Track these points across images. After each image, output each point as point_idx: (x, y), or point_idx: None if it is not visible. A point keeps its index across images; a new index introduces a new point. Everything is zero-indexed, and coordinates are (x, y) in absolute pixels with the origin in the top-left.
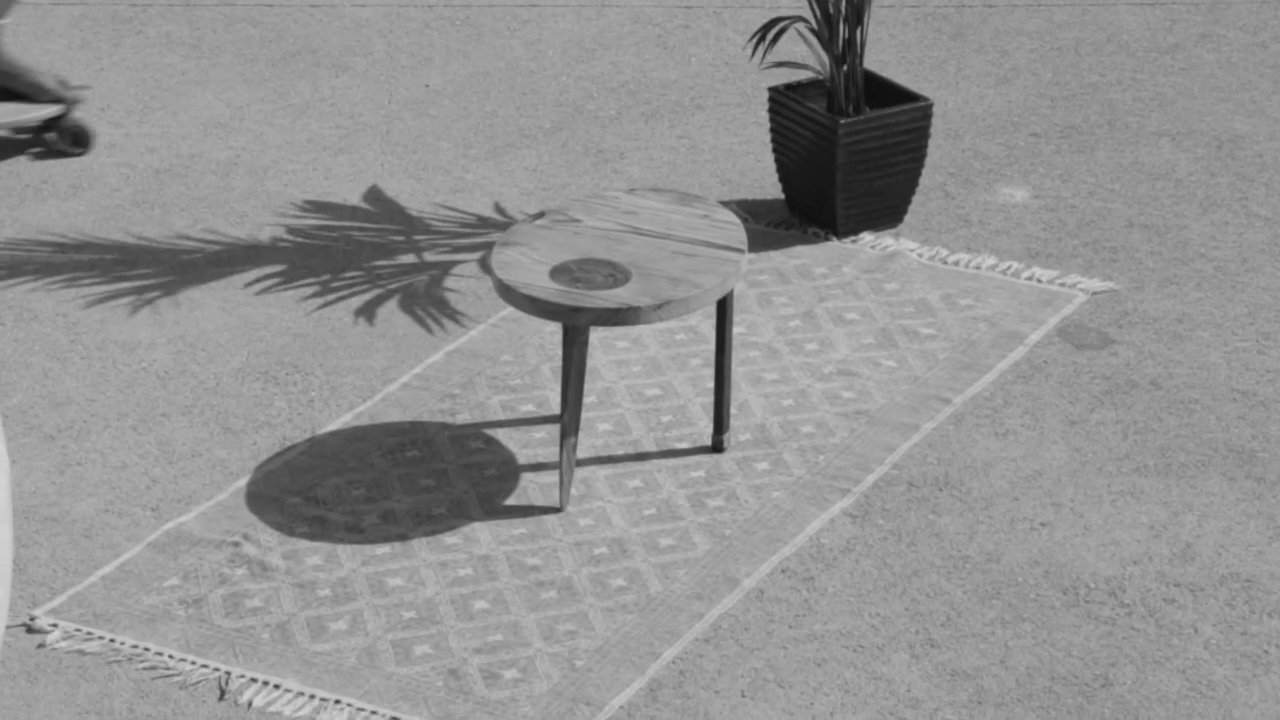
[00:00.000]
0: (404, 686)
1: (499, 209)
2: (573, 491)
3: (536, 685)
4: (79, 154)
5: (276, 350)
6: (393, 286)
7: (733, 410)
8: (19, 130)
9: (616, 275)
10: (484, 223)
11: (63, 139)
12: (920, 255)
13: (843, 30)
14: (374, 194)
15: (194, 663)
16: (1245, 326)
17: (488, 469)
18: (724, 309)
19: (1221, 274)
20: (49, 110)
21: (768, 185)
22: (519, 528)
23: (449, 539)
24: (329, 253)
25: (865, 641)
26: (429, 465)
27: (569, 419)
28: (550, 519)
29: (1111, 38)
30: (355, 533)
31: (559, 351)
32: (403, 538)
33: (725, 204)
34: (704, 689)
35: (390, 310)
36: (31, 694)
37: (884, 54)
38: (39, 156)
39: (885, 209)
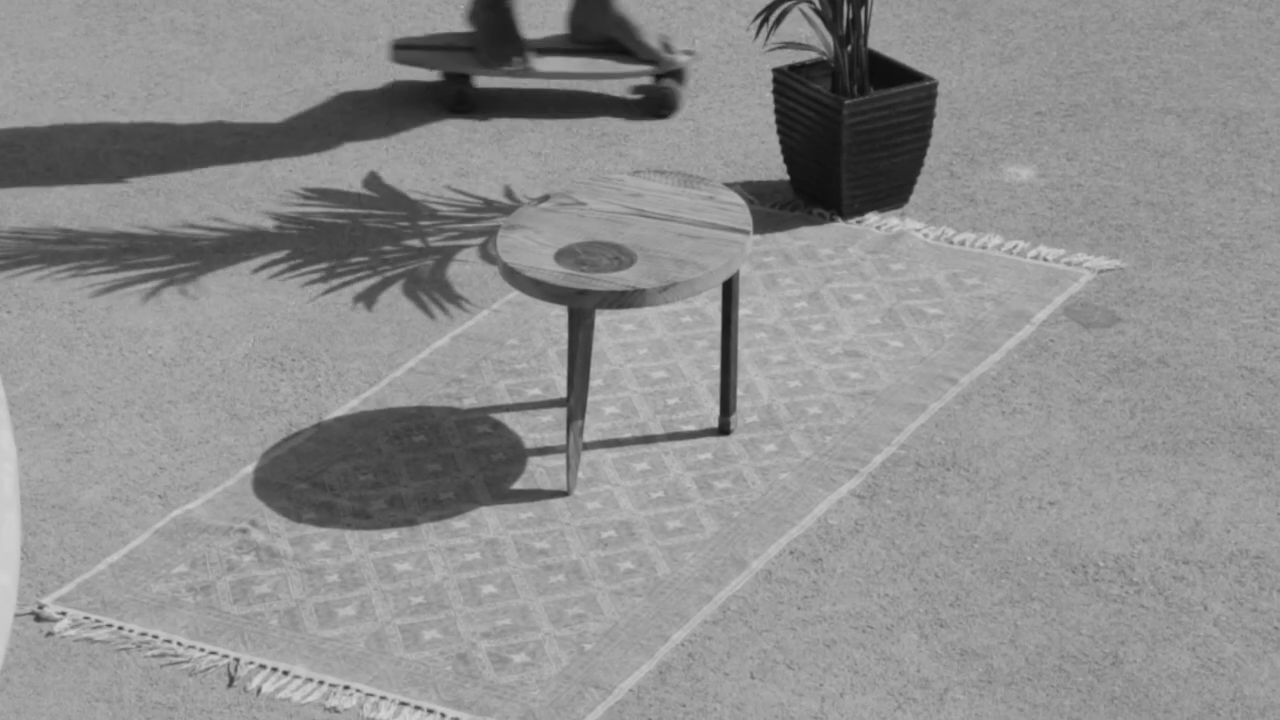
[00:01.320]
0: (413, 671)
1: (507, 192)
2: (580, 475)
3: (545, 669)
4: (663, 117)
5: (283, 336)
6: (398, 271)
7: (739, 392)
8: (635, 90)
9: (622, 258)
10: (489, 207)
11: (646, 102)
12: (926, 235)
13: (847, 10)
14: (378, 179)
15: (202, 649)
16: (1252, 303)
17: (494, 453)
18: (730, 291)
19: (1228, 251)
20: (642, 69)
21: (772, 167)
22: (526, 512)
23: (456, 524)
24: (334, 238)
25: (874, 622)
26: (436, 450)
27: (575, 402)
28: (557, 503)
29: (1116, 15)
30: (363, 518)
31: (565, 335)
32: (410, 523)
33: (730, 186)
34: (713, 671)
35: (395, 295)
36: (41, 682)
37: (888, 34)
38: (40, 144)
39: (890, 189)
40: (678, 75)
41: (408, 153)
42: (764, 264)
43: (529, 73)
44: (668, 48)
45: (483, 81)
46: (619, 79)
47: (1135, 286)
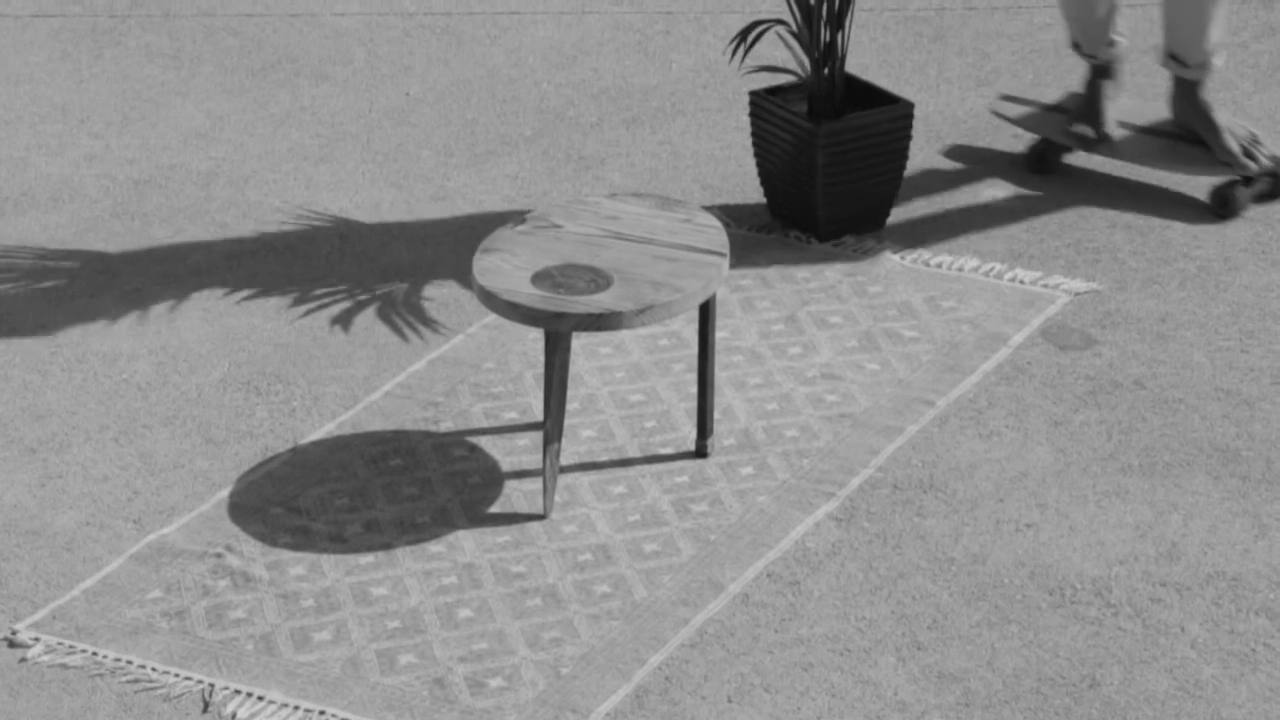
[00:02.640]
0: (389, 696)
1: (479, 217)
2: (556, 498)
3: (522, 693)
4: (1222, 218)
5: (258, 360)
6: (374, 295)
7: (716, 415)
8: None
9: (598, 280)
10: (466, 231)
11: (1212, 196)
12: (903, 258)
13: (823, 33)
14: (355, 203)
15: (177, 675)
16: (1228, 325)
17: (471, 477)
18: (706, 313)
19: (1204, 273)
20: (1216, 169)
21: (749, 190)
22: (503, 535)
23: (433, 548)
24: (310, 262)
25: (851, 645)
26: (412, 474)
27: (552, 426)
28: (534, 526)
29: None
30: (339, 543)
31: (541, 358)
32: (386, 547)
33: (707, 209)
34: (690, 695)
35: (371, 319)
36: (14, 709)
37: (865, 57)
38: (15, 169)
39: (867, 212)
40: (1250, 180)
41: (384, 176)
42: (741, 287)
43: (1108, 149)
44: (1249, 151)
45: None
46: (1192, 174)
47: (1111, 309)
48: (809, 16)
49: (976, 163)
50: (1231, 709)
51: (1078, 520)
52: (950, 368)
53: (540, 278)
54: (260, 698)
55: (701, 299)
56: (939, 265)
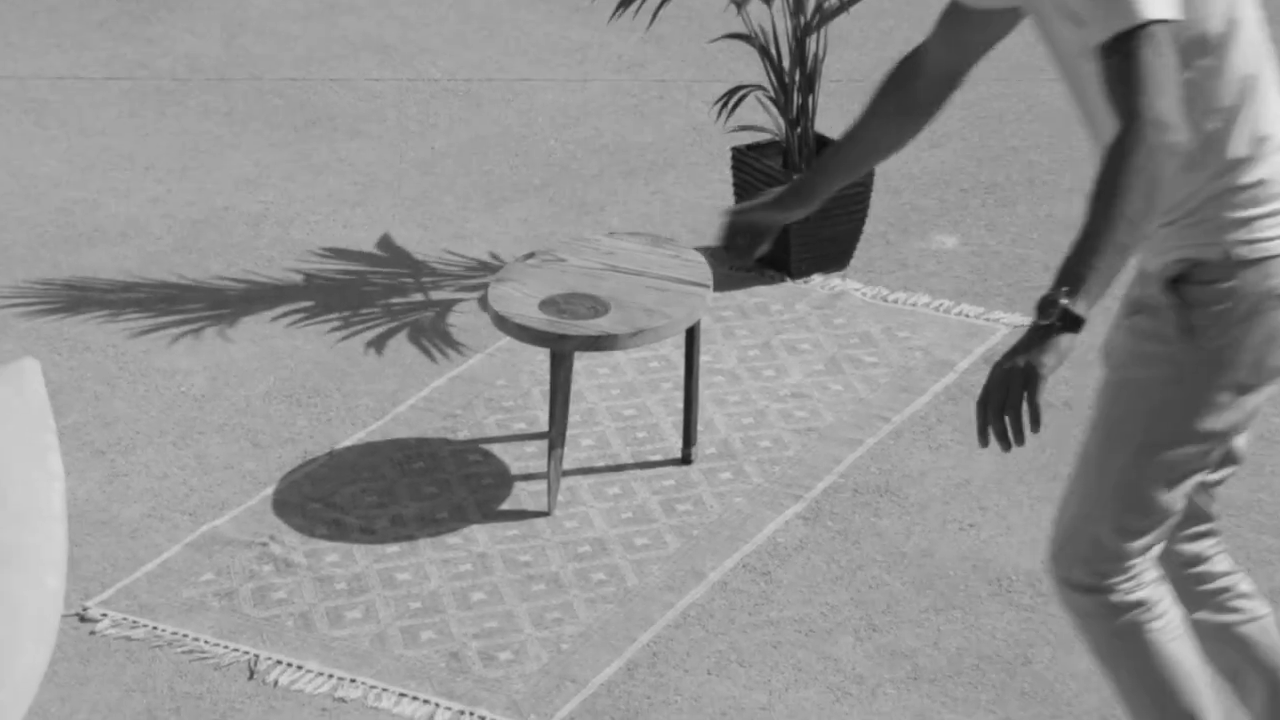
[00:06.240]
0: (411, 667)
1: (494, 255)
2: (559, 498)
3: (528, 665)
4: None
5: (300, 376)
6: (402, 321)
7: (699, 427)
8: None
9: (597, 307)
10: (482, 266)
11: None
12: (864, 294)
13: (796, 98)
14: (386, 241)
15: (226, 647)
16: None
17: (485, 478)
18: (692, 338)
19: None
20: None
21: None
22: (512, 529)
23: (451, 539)
24: (346, 292)
25: (815, 626)
26: (433, 475)
27: (556, 435)
28: (539, 521)
29: (1031, 108)
30: (368, 534)
31: (547, 376)
32: (410, 538)
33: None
34: (674, 668)
35: (399, 341)
36: (84, 674)
37: (832, 119)
38: (89, 210)
39: (834, 254)
40: None
41: (411, 219)
42: (722, 317)
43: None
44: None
45: None
46: None
47: None
48: (784, 84)
49: (928, 213)
50: None
51: (1014, 521)
52: (904, 389)
53: (547, 304)
54: (299, 667)
55: (688, 324)
56: (895, 300)
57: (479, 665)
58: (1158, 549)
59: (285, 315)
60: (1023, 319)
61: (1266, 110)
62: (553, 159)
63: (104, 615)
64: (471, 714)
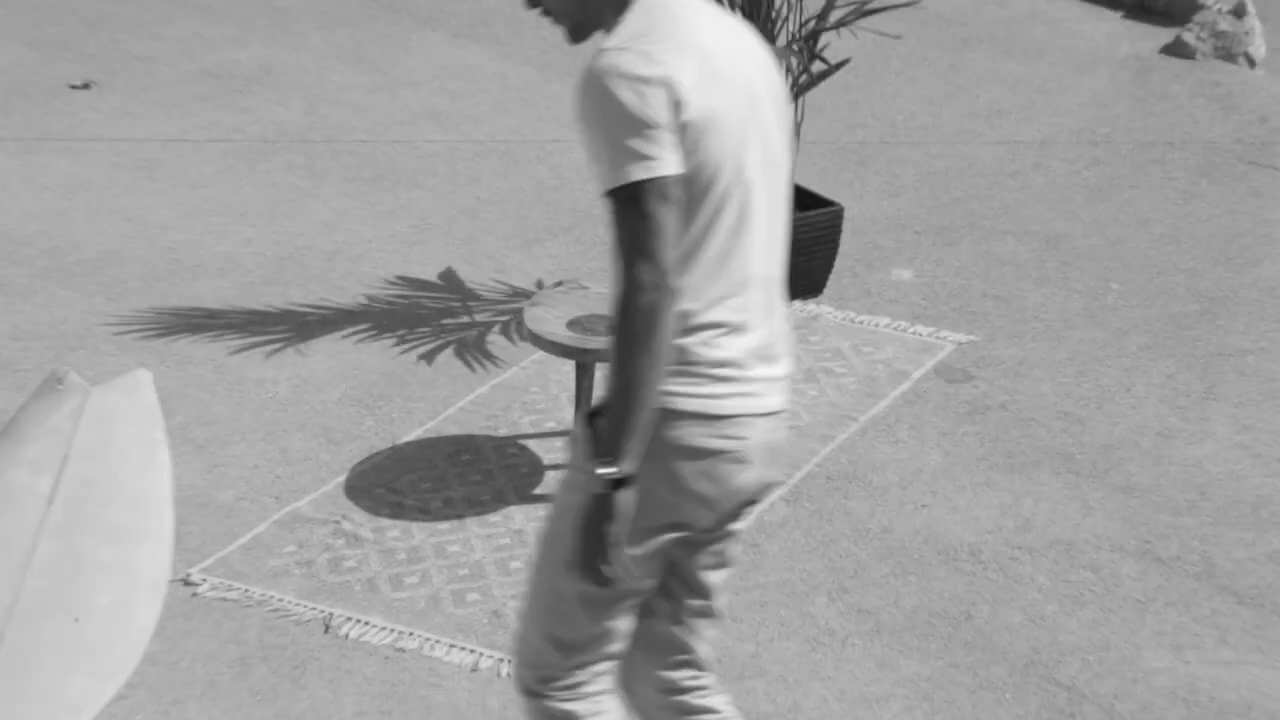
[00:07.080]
0: (460, 623)
1: (529, 284)
2: None
3: None
4: None
5: (367, 384)
6: (452, 338)
7: None
8: None
9: None
10: (518, 294)
11: None
12: (835, 316)
13: None
14: (439, 274)
15: (306, 606)
16: (1067, 366)
17: (521, 468)
18: None
19: (1050, 330)
20: None
21: None
22: (544, 510)
23: (493, 518)
24: (406, 316)
25: (795, 589)
26: (478, 466)
27: None
28: None
29: (971, 165)
30: (424, 514)
31: (573, 384)
32: (459, 517)
33: None
34: None
35: (449, 355)
36: (188, 628)
37: (807, 174)
38: (192, 249)
39: (810, 284)
40: None
41: (460, 255)
42: None
43: None
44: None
45: None
46: None
47: (984, 354)
48: None
49: (888, 250)
50: (1066, 635)
51: (959, 503)
52: (869, 394)
53: (573, 324)
54: (366, 623)
55: None
56: (861, 322)
57: (516, 622)
58: (601, 666)
59: (355, 334)
60: (966, 337)
61: (725, 276)
62: (578, 206)
63: (204, 580)
64: (508, 661)
